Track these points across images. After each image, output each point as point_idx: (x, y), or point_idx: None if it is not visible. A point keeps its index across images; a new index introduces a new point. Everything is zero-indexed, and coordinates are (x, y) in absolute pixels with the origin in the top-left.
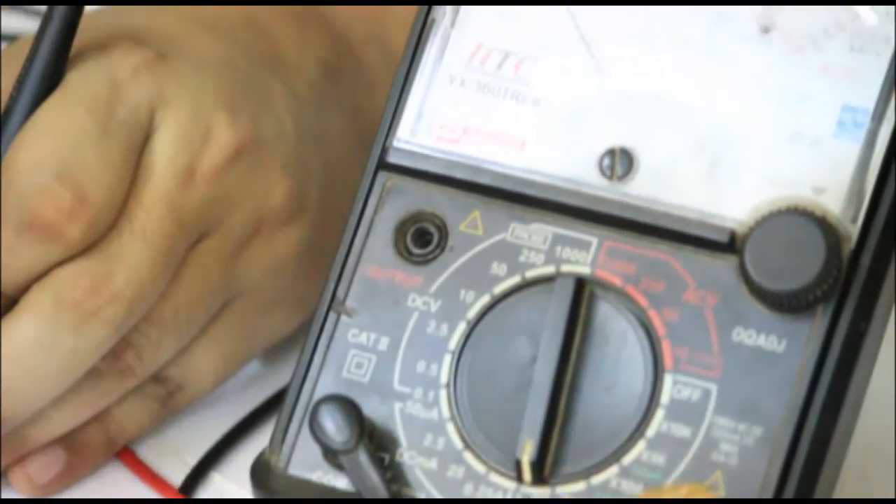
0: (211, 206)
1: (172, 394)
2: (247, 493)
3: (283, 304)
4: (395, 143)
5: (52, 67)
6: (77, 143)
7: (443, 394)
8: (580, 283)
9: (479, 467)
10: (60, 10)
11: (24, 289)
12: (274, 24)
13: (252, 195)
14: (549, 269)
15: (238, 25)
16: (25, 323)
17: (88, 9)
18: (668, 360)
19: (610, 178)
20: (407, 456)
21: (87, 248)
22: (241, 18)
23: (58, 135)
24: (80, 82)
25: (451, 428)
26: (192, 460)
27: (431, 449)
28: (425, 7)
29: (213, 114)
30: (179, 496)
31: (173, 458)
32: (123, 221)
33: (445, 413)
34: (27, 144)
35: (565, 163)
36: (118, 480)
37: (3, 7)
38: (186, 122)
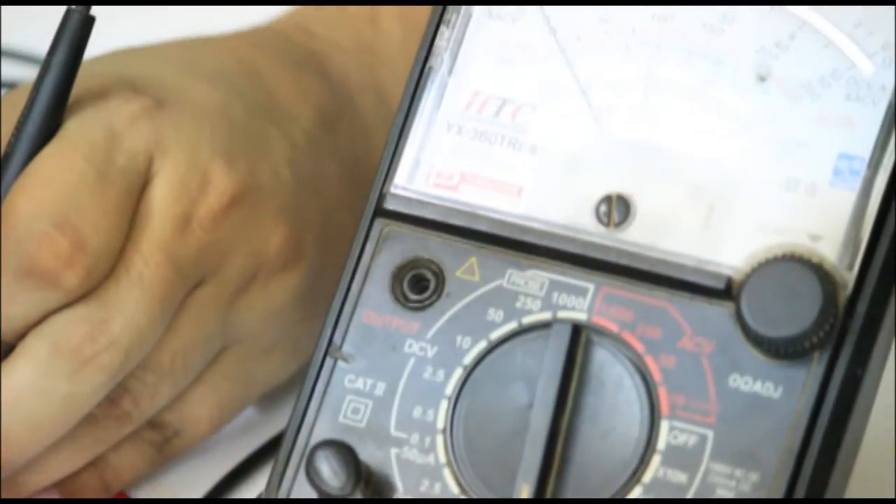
0: (208, 253)
1: (169, 440)
2: None
3: (279, 350)
4: (392, 190)
5: (50, 115)
6: (75, 191)
7: (439, 439)
8: (577, 330)
9: None
10: (59, 59)
11: (22, 335)
12: (271, 72)
13: (249, 242)
14: (546, 316)
15: (236, 73)
16: (22, 369)
17: (87, 55)
18: (664, 406)
19: (607, 224)
20: (404, 498)
21: (84, 295)
22: (238, 66)
23: (56, 182)
24: (79, 130)
25: (447, 473)
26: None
27: (428, 494)
28: (422, 55)
29: (211, 161)
30: None
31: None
32: (121, 268)
33: (442, 458)
34: (26, 191)
35: (562, 209)
36: None
37: (2, 56)
38: (184, 169)
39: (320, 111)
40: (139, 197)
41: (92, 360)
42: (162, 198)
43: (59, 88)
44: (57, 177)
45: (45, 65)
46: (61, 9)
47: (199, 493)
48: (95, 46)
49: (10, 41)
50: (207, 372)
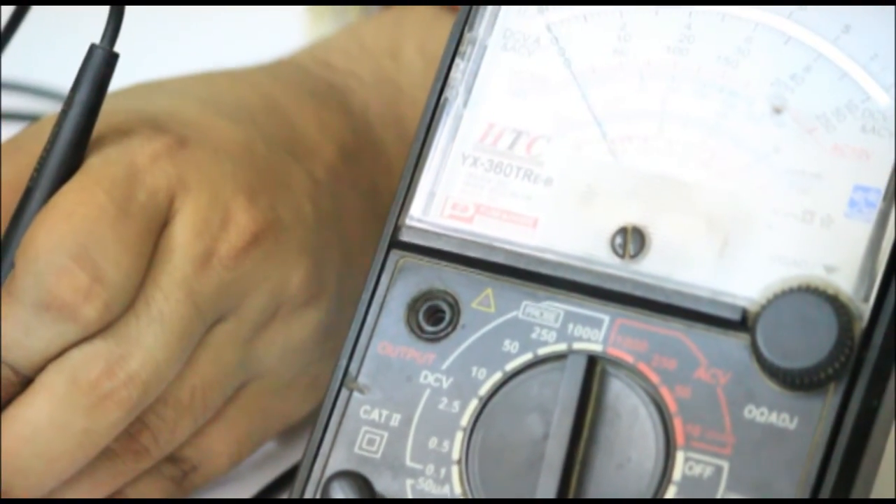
0: (228, 291)
1: (187, 474)
2: None
3: (298, 386)
4: (408, 222)
5: (72, 151)
6: (95, 225)
7: (455, 470)
8: (592, 361)
9: None
10: (82, 95)
11: (40, 368)
12: (292, 106)
13: (270, 280)
14: (561, 347)
15: (257, 109)
16: (40, 403)
17: (110, 91)
18: (679, 437)
19: (622, 256)
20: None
21: (102, 330)
22: (259, 101)
23: (76, 216)
24: (101, 166)
25: None
26: None
27: None
28: (437, 86)
29: (232, 199)
30: None
31: None
32: (140, 304)
33: (457, 489)
34: (46, 225)
35: (577, 241)
36: None
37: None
38: (205, 207)
39: (341, 145)
40: (160, 234)
41: (110, 395)
42: (183, 235)
43: (82, 125)
44: (77, 211)
45: (69, 101)
46: (76, 44)
47: None
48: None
49: (27, 76)
50: (227, 407)
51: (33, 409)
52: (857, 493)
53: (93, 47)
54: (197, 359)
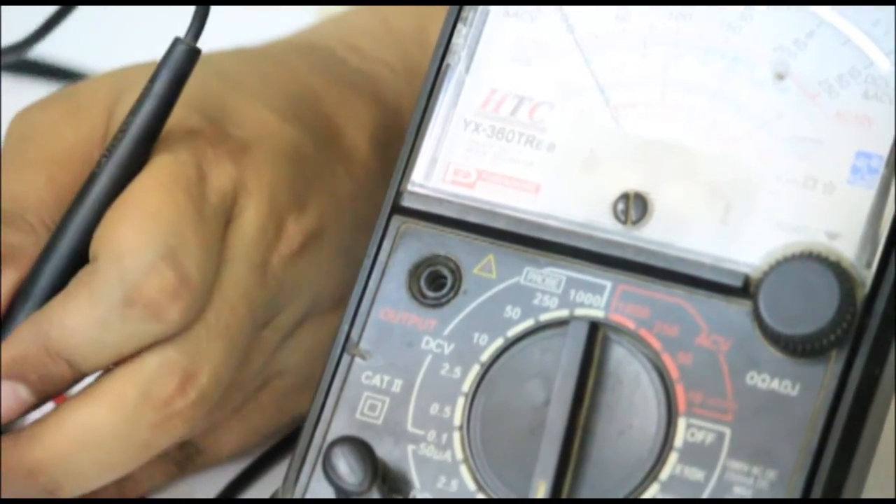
0: (276, 300)
1: (191, 457)
2: None
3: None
4: (410, 188)
5: (144, 143)
6: (179, 226)
7: (456, 436)
8: (594, 327)
9: None
10: (159, 89)
11: (101, 368)
12: (328, 97)
13: (309, 288)
14: (563, 313)
15: (301, 102)
16: (106, 411)
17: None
18: (681, 403)
19: (624, 222)
20: (420, 497)
21: (175, 338)
22: (301, 91)
23: (161, 215)
24: (173, 165)
25: (464, 470)
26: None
27: (445, 491)
28: (439, 52)
29: (287, 207)
30: None
31: (186, 496)
32: (210, 316)
33: (459, 455)
34: (131, 221)
35: (579, 207)
36: None
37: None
38: (264, 215)
39: (374, 138)
40: (223, 238)
41: (179, 413)
42: (245, 242)
43: (156, 118)
44: (162, 210)
45: (145, 92)
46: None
47: (214, 490)
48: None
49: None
50: (244, 402)
51: (97, 415)
52: (858, 462)
53: (176, 41)
54: None
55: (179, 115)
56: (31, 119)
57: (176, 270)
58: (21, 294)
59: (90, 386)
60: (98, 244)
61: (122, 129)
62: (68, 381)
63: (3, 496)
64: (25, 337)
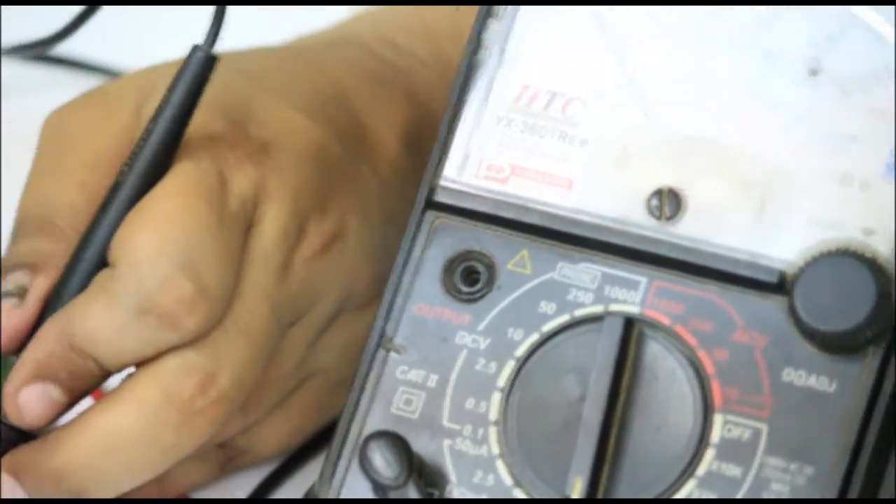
0: (301, 300)
1: (233, 458)
2: None
3: None
4: (443, 183)
5: (164, 151)
6: (198, 235)
7: (492, 431)
8: (629, 323)
9: None
10: (178, 97)
11: (125, 367)
12: (357, 94)
13: (337, 286)
14: (598, 309)
15: (328, 99)
16: (129, 414)
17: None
18: (717, 399)
19: (658, 218)
20: (457, 492)
21: (195, 340)
22: (330, 89)
23: (179, 224)
24: (194, 171)
25: (500, 465)
26: (242, 495)
27: (481, 485)
28: (471, 48)
29: (310, 209)
30: None
31: (223, 493)
32: (229, 319)
33: (495, 450)
34: (149, 229)
35: (613, 203)
36: None
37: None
38: (286, 218)
39: (405, 135)
40: (244, 243)
41: (201, 412)
42: (265, 246)
43: (176, 126)
44: (180, 219)
45: (165, 101)
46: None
47: (252, 483)
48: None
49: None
50: (284, 401)
51: (121, 419)
52: None
53: (194, 49)
54: None
55: (202, 119)
56: (63, 123)
57: (193, 281)
58: (50, 301)
59: (113, 390)
60: (116, 250)
61: (144, 138)
62: (97, 378)
63: (32, 497)
64: (50, 336)
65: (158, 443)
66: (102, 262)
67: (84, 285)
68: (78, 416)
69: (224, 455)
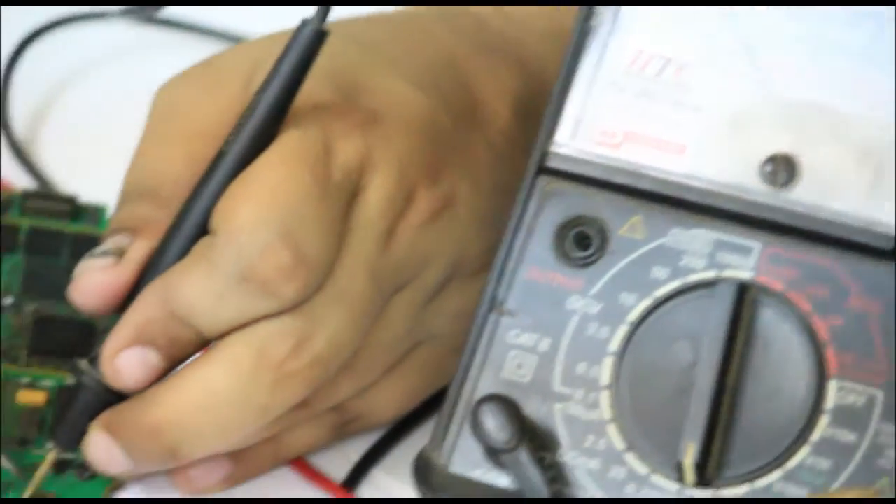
0: (407, 267)
1: (348, 423)
2: (408, 489)
3: None
4: (555, 148)
5: (270, 122)
6: (299, 204)
7: (604, 395)
8: (742, 288)
9: (641, 469)
10: (287, 68)
11: (222, 335)
12: (468, 63)
13: (447, 254)
14: (710, 274)
15: (439, 70)
16: (221, 373)
17: None
18: (832, 365)
19: (772, 184)
20: (568, 456)
21: (292, 307)
22: (441, 59)
23: (281, 193)
24: (300, 141)
25: (612, 429)
26: (356, 456)
27: (592, 450)
28: (584, 13)
29: (417, 178)
30: (342, 492)
31: (336, 454)
32: (329, 284)
33: (607, 414)
34: (251, 198)
35: (726, 168)
36: (280, 475)
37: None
38: (392, 186)
39: (516, 105)
40: (348, 211)
41: (294, 375)
42: (369, 214)
43: (283, 97)
44: (282, 188)
45: (272, 73)
46: None
47: (365, 444)
48: None
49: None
50: (398, 365)
51: (214, 377)
52: None
53: (303, 23)
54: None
55: (310, 88)
56: (172, 95)
57: (293, 250)
58: (149, 267)
59: (208, 350)
60: (218, 218)
61: (249, 109)
62: (195, 346)
63: (128, 456)
64: (150, 301)
65: (251, 402)
66: (203, 231)
67: (184, 253)
68: (172, 376)
69: (338, 419)
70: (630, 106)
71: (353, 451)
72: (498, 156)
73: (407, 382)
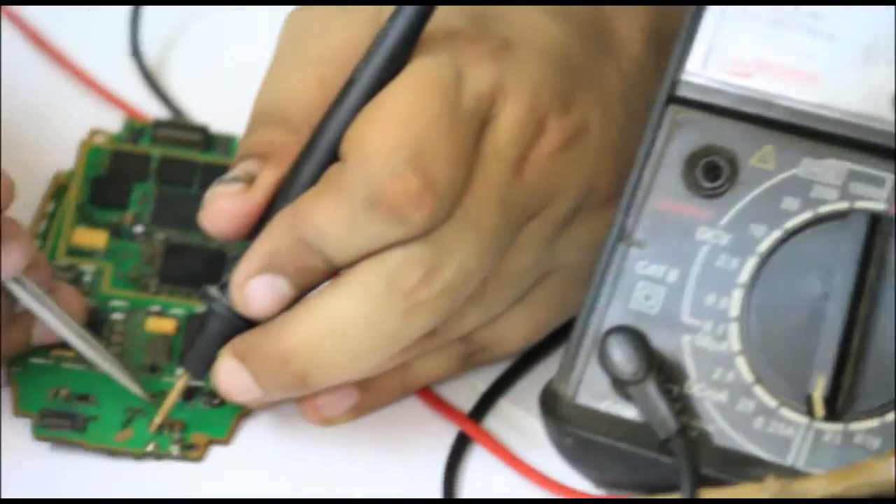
0: (537, 195)
1: (475, 353)
2: (535, 420)
3: None
4: (686, 77)
5: (402, 48)
6: (429, 130)
7: (733, 327)
8: (874, 220)
9: (770, 401)
10: None
11: (351, 263)
12: None
13: (577, 183)
14: (843, 206)
15: None
16: (352, 299)
17: None
18: None
19: None
20: (696, 388)
21: (422, 235)
22: None
23: (411, 119)
24: (431, 69)
25: (741, 361)
26: (483, 387)
27: (721, 382)
28: None
29: (548, 106)
30: (468, 423)
31: (463, 385)
32: (458, 212)
33: (735, 346)
34: (380, 124)
35: (859, 98)
36: (407, 406)
37: None
38: (523, 114)
39: (648, 33)
40: (478, 139)
41: (423, 303)
42: (500, 142)
43: (414, 25)
44: (412, 114)
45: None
46: None
47: (492, 375)
48: None
49: None
50: (527, 295)
51: (344, 304)
52: None
53: None
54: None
55: (443, 15)
56: (303, 18)
57: (421, 176)
58: (280, 192)
59: (337, 279)
60: (348, 144)
61: (381, 35)
62: (324, 274)
63: (257, 382)
64: (280, 230)
65: (380, 330)
66: (333, 157)
67: (314, 179)
68: (302, 303)
69: (465, 349)
70: (762, 34)
71: (481, 381)
72: (630, 84)
73: (534, 313)
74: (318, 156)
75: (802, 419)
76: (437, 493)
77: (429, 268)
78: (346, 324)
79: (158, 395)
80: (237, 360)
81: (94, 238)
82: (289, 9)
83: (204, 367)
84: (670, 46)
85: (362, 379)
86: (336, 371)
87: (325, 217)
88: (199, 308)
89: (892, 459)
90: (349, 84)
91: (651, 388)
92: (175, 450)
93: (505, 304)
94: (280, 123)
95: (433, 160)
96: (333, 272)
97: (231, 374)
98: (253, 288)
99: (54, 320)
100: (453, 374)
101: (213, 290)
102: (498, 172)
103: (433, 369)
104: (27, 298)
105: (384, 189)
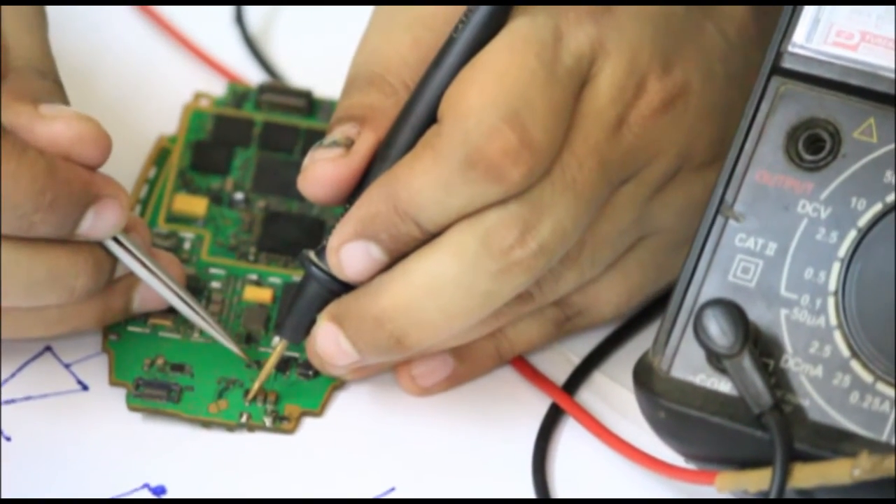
0: (635, 156)
1: (570, 318)
2: (629, 393)
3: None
4: (790, 49)
5: (499, 9)
6: (526, 88)
7: (831, 301)
8: None
9: (867, 376)
10: None
11: (445, 227)
12: None
13: (676, 144)
14: None
15: None
16: (447, 259)
17: None
18: None
19: None
20: (792, 362)
21: (518, 194)
22: None
23: (508, 78)
24: (529, 27)
25: (838, 336)
26: (576, 359)
27: (817, 356)
28: None
29: (649, 66)
30: (562, 395)
31: (557, 357)
32: (556, 171)
33: (833, 321)
34: (478, 83)
35: None
36: (501, 376)
37: None
38: (623, 73)
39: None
40: (578, 98)
41: (518, 263)
42: (599, 101)
43: None
44: (509, 72)
45: None
46: None
47: (587, 347)
48: None
49: None
50: (622, 259)
51: (439, 264)
52: None
53: None
54: (594, 218)
55: None
56: None
57: (519, 133)
58: (378, 156)
59: (433, 239)
60: (445, 106)
61: None
62: (417, 241)
63: (354, 346)
64: (375, 197)
65: (475, 289)
66: (432, 119)
67: (412, 143)
68: (397, 265)
69: (561, 314)
70: (868, 7)
71: (574, 354)
72: (731, 46)
73: (629, 278)
74: (415, 118)
75: None
76: (528, 465)
77: (524, 227)
78: (442, 283)
79: (254, 365)
80: (334, 324)
81: (195, 205)
82: None
83: (301, 332)
84: (774, 13)
85: (458, 345)
86: (432, 331)
87: (422, 182)
88: (297, 277)
89: None
90: (447, 45)
91: (747, 362)
92: (268, 421)
93: (600, 267)
94: (377, 85)
95: (531, 117)
96: (427, 240)
97: (329, 338)
98: (347, 253)
99: (154, 280)
100: (548, 342)
101: (311, 254)
102: (596, 132)
103: (528, 335)
104: (127, 258)
105: (481, 148)
